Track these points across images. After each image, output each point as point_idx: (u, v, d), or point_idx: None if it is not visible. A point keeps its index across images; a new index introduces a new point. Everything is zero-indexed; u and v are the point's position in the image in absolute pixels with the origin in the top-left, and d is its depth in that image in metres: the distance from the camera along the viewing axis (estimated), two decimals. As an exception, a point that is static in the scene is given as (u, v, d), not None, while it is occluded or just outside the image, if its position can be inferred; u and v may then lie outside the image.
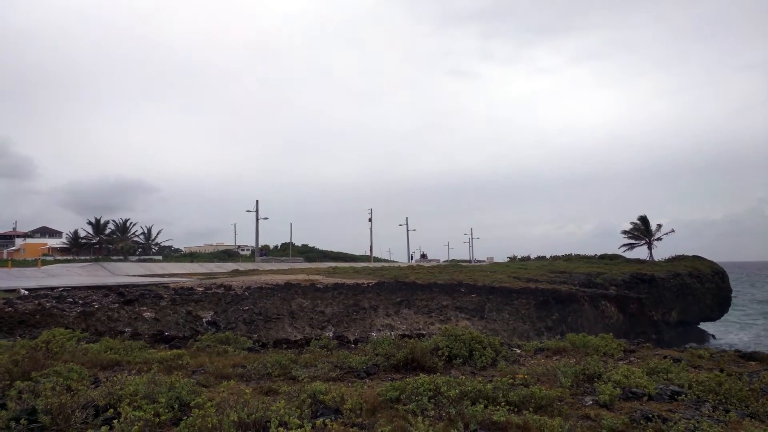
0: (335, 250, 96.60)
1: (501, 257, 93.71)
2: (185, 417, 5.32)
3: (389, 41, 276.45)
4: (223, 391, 6.20)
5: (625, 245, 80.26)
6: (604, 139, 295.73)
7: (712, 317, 60.72)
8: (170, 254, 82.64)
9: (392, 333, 21.51)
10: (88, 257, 66.12)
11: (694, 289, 57.61)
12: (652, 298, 48.42)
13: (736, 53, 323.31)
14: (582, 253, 78.60)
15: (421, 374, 7.54)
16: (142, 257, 72.32)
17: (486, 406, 5.84)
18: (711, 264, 65.17)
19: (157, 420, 5.32)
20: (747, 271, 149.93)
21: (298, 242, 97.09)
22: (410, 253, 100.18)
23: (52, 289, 26.68)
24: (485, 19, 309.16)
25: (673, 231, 79.79)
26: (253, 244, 77.79)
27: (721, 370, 8.59)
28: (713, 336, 56.47)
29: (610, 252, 76.29)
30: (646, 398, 6.94)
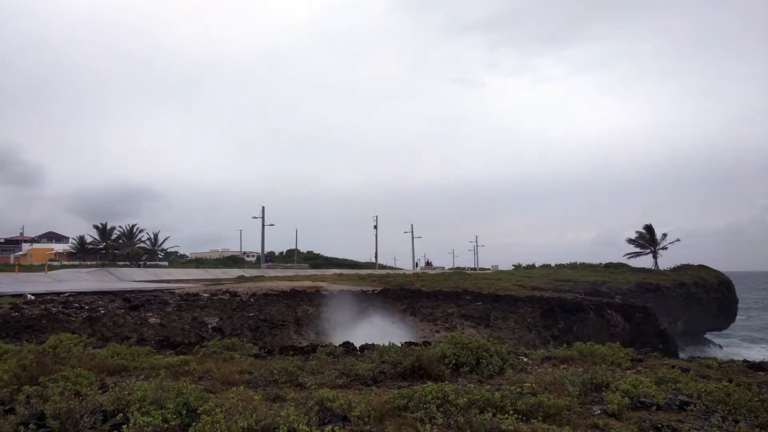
0: (340, 256, 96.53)
1: (506, 265, 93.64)
2: (193, 423, 5.32)
3: (395, 50, 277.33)
4: (232, 397, 6.21)
5: (629, 254, 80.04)
6: (606, 147, 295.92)
7: (719, 327, 60.41)
8: (176, 260, 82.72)
9: (398, 340, 21.45)
10: (94, 262, 66.30)
11: (700, 299, 57.37)
12: (658, 307, 48.21)
13: (737, 63, 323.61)
14: (585, 261, 78.47)
15: (428, 382, 7.52)
16: (148, 263, 72.46)
17: (494, 415, 5.82)
18: (717, 273, 64.85)
19: (166, 426, 5.33)
20: (751, 280, 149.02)
21: (302, 248, 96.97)
22: (415, 260, 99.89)
23: (58, 294, 26.76)
24: (491, 30, 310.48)
25: (678, 240, 79.48)
26: (259, 249, 77.82)
27: (730, 381, 8.54)
28: (720, 346, 56.15)
29: (613, 260, 76.13)
30: (654, 408, 6.90)
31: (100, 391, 6.93)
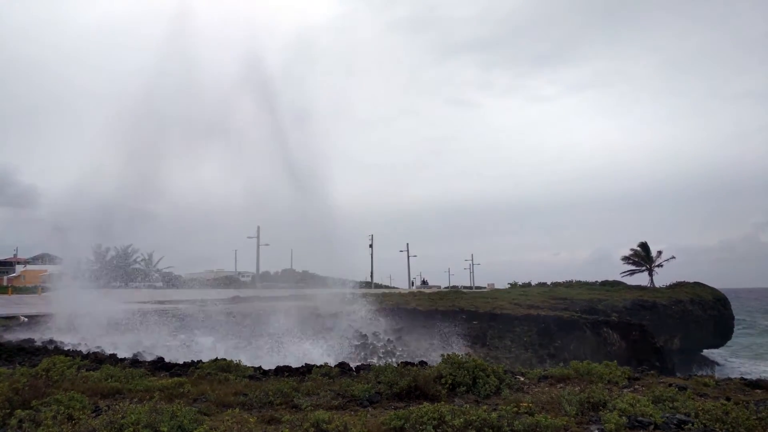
0: (336, 276, 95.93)
1: (501, 283, 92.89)
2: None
3: (390, 71, 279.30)
4: (227, 420, 6.15)
5: (625, 272, 79.99)
6: (599, 166, 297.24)
7: (715, 344, 60.27)
8: (171, 281, 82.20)
9: (394, 360, 21.35)
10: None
11: (697, 316, 57.27)
12: (654, 324, 48.10)
13: (728, 82, 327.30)
14: (580, 278, 78.10)
15: (424, 403, 7.47)
16: (142, 284, 72.02)
17: (491, 436, 5.78)
18: (712, 290, 64.85)
19: (160, 449, 5.27)
20: (745, 297, 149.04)
21: (298, 268, 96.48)
22: (411, 279, 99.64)
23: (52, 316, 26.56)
24: (484, 50, 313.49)
25: (673, 257, 79.50)
26: (254, 269, 77.57)
27: (728, 399, 8.51)
28: (716, 363, 56.02)
29: (608, 278, 75.94)
30: (652, 427, 6.87)
31: (94, 415, 6.86)
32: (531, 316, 36.22)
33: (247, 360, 16.07)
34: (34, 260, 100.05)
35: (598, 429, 6.78)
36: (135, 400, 8.23)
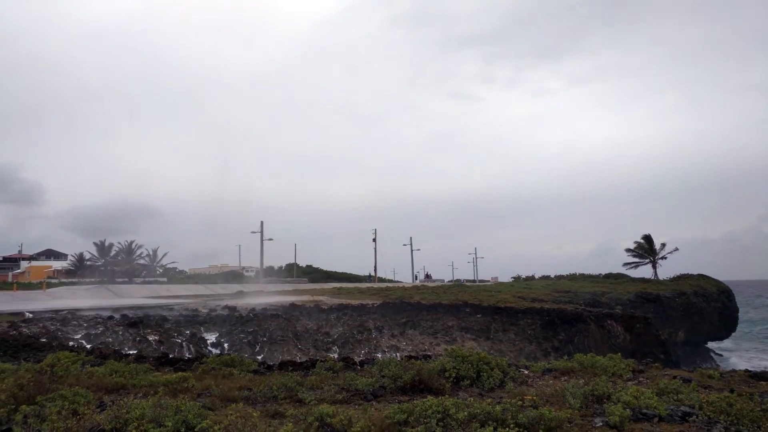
0: (339, 270, 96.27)
1: (505, 277, 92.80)
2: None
3: (393, 65, 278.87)
4: (231, 414, 6.16)
5: (629, 264, 79.88)
6: (603, 159, 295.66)
7: (720, 336, 60.19)
8: (175, 276, 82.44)
9: (398, 354, 21.39)
10: (93, 279, 65.98)
11: (701, 308, 57.17)
12: (658, 317, 48.07)
13: (732, 75, 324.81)
14: (583, 271, 78.13)
15: (428, 396, 7.47)
16: (146, 279, 72.24)
17: (495, 429, 5.78)
18: (717, 283, 64.72)
19: (164, 444, 5.28)
20: (748, 289, 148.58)
21: (302, 263, 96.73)
22: (414, 273, 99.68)
23: (56, 311, 26.67)
24: (487, 44, 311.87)
25: (677, 249, 79.34)
26: (258, 264, 77.72)
27: (732, 391, 8.50)
28: (721, 355, 55.99)
29: (611, 271, 75.90)
30: (656, 419, 6.86)
31: (98, 410, 6.88)
32: (535, 309, 36.23)
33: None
34: (39, 256, 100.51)
35: (602, 421, 6.77)
36: (139, 395, 8.25)
